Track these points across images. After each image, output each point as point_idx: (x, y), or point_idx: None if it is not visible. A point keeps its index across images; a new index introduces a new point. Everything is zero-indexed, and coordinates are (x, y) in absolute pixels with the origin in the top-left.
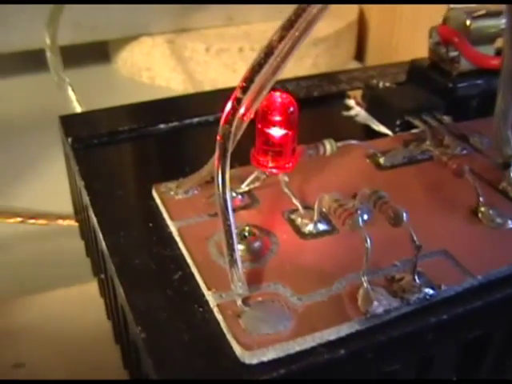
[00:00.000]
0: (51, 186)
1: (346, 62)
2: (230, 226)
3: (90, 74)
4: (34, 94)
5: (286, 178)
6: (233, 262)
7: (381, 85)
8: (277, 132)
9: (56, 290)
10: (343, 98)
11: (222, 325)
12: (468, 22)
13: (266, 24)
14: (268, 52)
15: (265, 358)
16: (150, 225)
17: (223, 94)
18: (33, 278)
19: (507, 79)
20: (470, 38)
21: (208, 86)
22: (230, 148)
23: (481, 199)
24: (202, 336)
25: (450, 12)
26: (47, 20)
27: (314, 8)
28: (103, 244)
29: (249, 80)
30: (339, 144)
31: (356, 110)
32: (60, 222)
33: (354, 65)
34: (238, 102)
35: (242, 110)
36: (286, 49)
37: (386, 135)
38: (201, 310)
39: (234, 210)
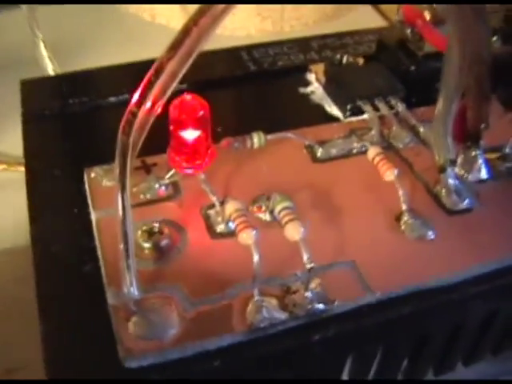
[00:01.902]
0: None
1: (356, 6)
2: (126, 231)
3: (99, 8)
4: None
5: (203, 176)
6: (126, 264)
7: (345, 60)
8: (189, 134)
9: None
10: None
11: (113, 326)
12: None
13: None
14: (158, 69)
15: (145, 363)
16: (76, 211)
17: None
18: None
19: (448, 84)
20: (435, 19)
21: None
22: (129, 160)
23: (404, 207)
24: (94, 335)
25: None
26: None
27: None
28: (30, 228)
29: (143, 94)
30: (271, 137)
31: (314, 86)
32: None
33: (365, 8)
34: (134, 115)
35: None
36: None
37: (337, 119)
38: (99, 307)
39: (156, 201)
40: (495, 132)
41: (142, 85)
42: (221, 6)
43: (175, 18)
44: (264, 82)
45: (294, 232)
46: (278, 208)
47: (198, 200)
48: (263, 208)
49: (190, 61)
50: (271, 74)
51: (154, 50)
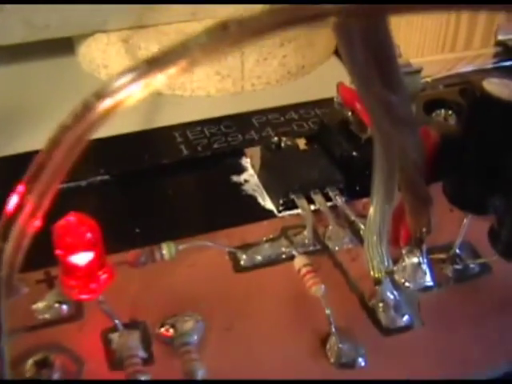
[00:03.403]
0: None
1: (322, 60)
2: None
3: (54, 67)
4: None
5: (102, 298)
6: None
7: (283, 143)
8: (79, 259)
9: None
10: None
11: None
12: None
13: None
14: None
15: None
16: None
17: None
18: None
19: (378, 189)
20: None
21: (165, 88)
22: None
23: (332, 329)
24: None
25: None
26: None
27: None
28: None
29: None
30: (185, 246)
31: (248, 173)
32: None
33: (333, 62)
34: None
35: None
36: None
37: (271, 213)
38: None
39: (55, 323)
40: (442, 229)
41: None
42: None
43: None
44: (195, 169)
45: (191, 375)
46: (176, 343)
47: (100, 322)
48: (171, 331)
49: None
50: (204, 159)
51: None
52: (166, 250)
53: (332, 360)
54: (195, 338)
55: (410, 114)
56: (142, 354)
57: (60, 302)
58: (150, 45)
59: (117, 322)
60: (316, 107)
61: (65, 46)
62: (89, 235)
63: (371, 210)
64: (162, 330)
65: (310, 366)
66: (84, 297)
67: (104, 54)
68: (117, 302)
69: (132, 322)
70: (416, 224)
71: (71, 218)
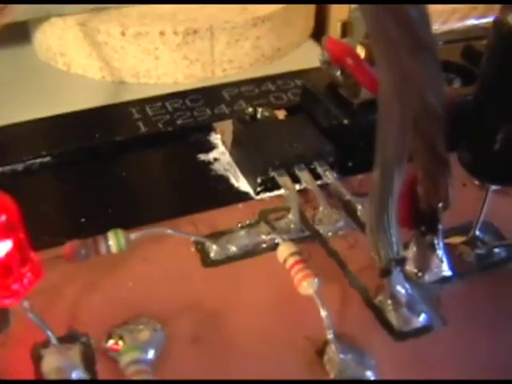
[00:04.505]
0: None
1: (299, 43)
2: None
3: (9, 57)
4: None
5: (26, 304)
6: None
7: (259, 113)
8: None
9: None
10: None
11: None
12: None
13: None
14: None
15: None
16: None
17: None
18: None
19: (384, 152)
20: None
21: (128, 76)
22: None
23: (330, 336)
24: None
25: (353, 13)
26: None
27: None
28: None
29: None
30: (137, 235)
31: (218, 151)
32: None
33: (310, 45)
34: None
35: None
36: None
37: (246, 196)
38: None
39: None
40: (457, 207)
41: None
42: None
43: (92, 67)
44: (155, 147)
45: None
46: (124, 360)
47: (31, 334)
48: (120, 345)
49: None
50: (165, 136)
51: (70, 101)
52: (114, 239)
53: (332, 375)
54: (151, 353)
55: (430, 34)
56: (81, 375)
57: None
58: (110, 27)
59: (49, 334)
60: (296, 78)
61: (20, 34)
62: (3, 218)
63: (375, 175)
64: (110, 343)
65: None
66: (5, 301)
67: (61, 40)
68: (50, 308)
69: (70, 333)
70: (430, 196)
71: None
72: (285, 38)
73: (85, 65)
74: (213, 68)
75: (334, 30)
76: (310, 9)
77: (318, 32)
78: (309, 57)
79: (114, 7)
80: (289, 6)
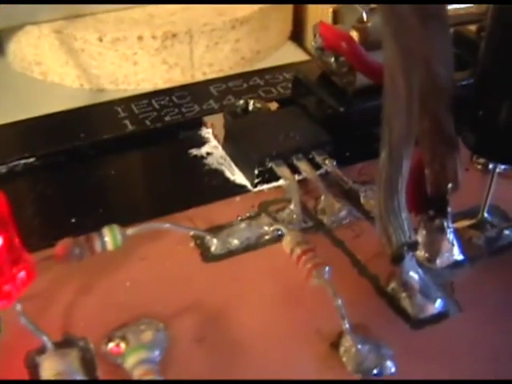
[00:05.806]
0: None
1: (278, 45)
2: None
3: None
4: None
5: (19, 307)
6: None
7: (251, 106)
8: None
9: None
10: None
11: None
12: (365, 17)
13: (174, 5)
14: None
15: None
16: None
17: None
18: None
19: (391, 132)
20: (368, 40)
21: (106, 82)
22: None
23: (345, 326)
24: None
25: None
26: None
27: None
28: None
29: None
30: (134, 230)
31: (210, 146)
32: None
33: (289, 47)
34: None
35: None
36: None
37: (243, 188)
38: None
39: None
40: (461, 192)
41: None
42: None
43: (69, 75)
44: (145, 145)
45: None
46: (129, 362)
47: (26, 340)
48: (122, 347)
49: None
50: (154, 133)
51: (48, 111)
52: (110, 236)
53: (350, 367)
54: (156, 353)
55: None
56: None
57: None
58: (87, 34)
59: (44, 338)
60: (284, 71)
61: None
62: None
63: (382, 157)
64: (111, 346)
65: (320, 378)
66: None
67: (36, 49)
68: (43, 314)
69: (67, 338)
70: (439, 177)
71: None
72: (263, 40)
73: (62, 73)
74: (192, 72)
75: (311, 32)
76: (288, 11)
77: (297, 34)
78: (288, 59)
79: (89, 13)
80: (266, 7)
